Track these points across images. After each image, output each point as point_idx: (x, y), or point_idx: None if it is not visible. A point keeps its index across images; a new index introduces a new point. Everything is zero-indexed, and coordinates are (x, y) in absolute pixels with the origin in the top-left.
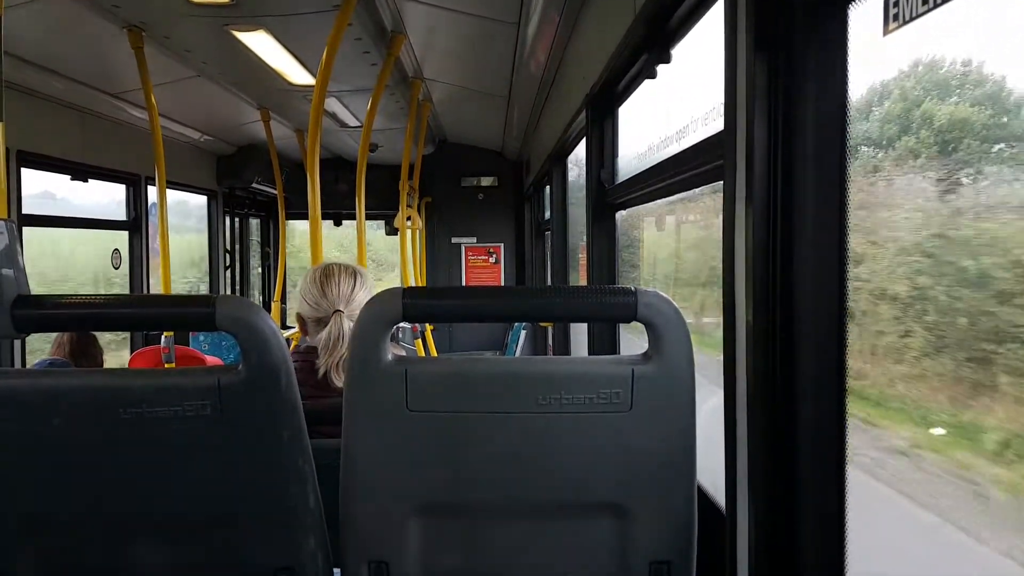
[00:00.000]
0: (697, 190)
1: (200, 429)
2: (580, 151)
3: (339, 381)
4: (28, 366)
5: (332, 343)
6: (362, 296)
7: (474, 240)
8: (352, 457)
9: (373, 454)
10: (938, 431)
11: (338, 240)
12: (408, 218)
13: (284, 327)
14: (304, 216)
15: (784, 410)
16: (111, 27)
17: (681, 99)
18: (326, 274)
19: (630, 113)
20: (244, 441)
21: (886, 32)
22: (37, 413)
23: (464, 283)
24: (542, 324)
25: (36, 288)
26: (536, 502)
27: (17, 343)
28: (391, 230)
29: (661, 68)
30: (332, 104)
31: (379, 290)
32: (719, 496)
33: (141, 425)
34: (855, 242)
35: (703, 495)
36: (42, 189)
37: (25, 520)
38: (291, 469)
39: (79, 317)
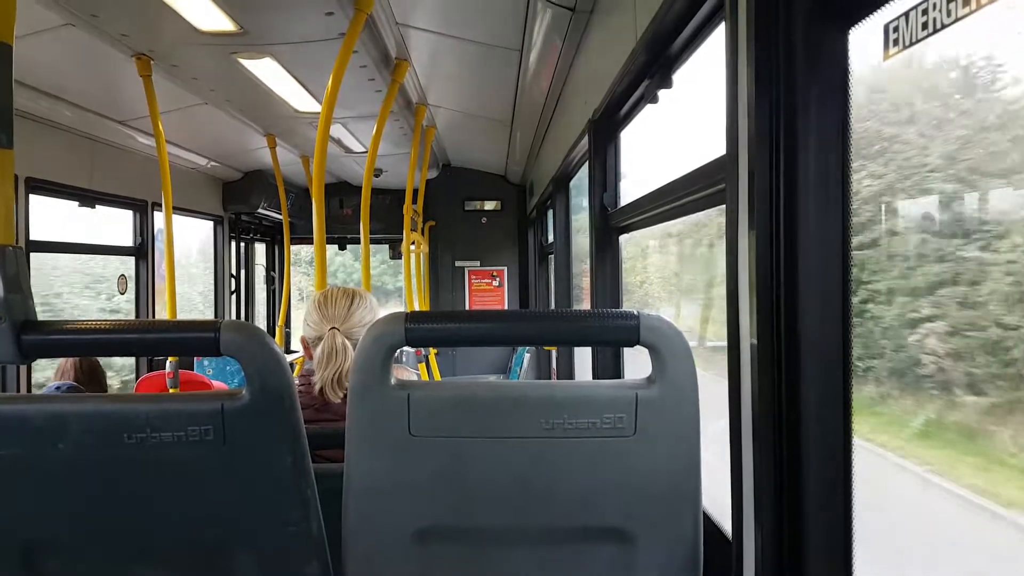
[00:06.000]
0: None
1: (203, 454)
2: (583, 175)
3: (335, 397)
4: (38, 391)
5: (326, 358)
6: (361, 314)
7: (478, 264)
8: (354, 482)
9: (375, 479)
10: None
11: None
12: (413, 242)
13: (288, 351)
14: (309, 241)
15: (790, 434)
16: (119, 56)
17: (683, 121)
18: (325, 296)
19: (633, 135)
20: (247, 466)
21: (886, 57)
22: (42, 437)
23: (468, 307)
24: (546, 348)
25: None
26: (539, 528)
27: (23, 368)
28: (395, 254)
29: (662, 93)
30: (337, 130)
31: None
32: (724, 521)
33: (145, 450)
34: None
35: (708, 520)
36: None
37: (27, 545)
38: (294, 494)
39: (84, 343)
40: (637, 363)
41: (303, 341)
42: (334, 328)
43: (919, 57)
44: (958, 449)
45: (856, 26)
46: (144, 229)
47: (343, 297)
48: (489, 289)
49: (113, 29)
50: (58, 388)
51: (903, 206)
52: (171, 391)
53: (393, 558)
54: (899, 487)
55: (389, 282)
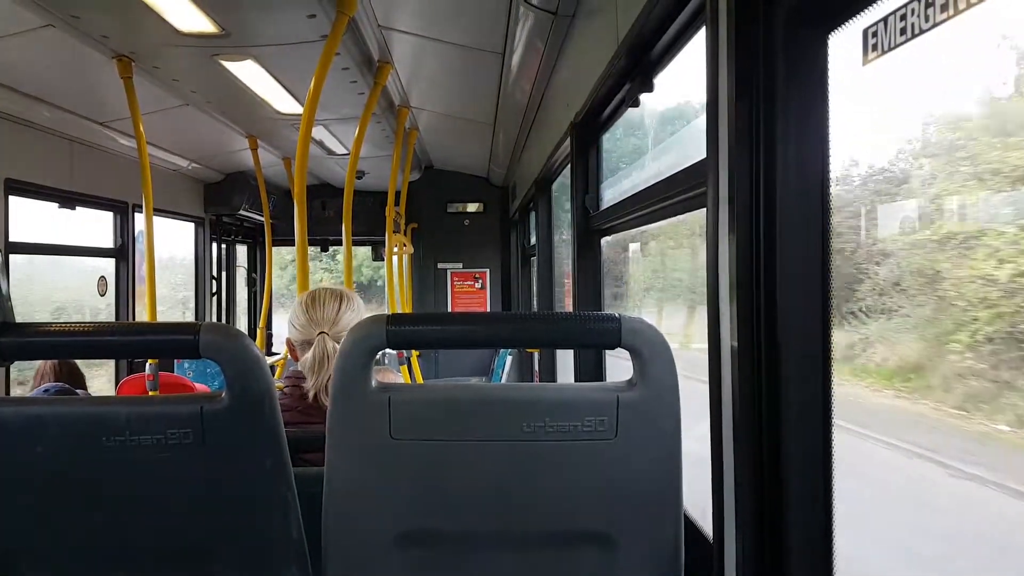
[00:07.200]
0: None
1: (182, 457)
2: (565, 177)
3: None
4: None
5: (317, 364)
6: (348, 317)
7: (460, 266)
8: (335, 486)
9: (356, 482)
10: None
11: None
12: (396, 244)
13: (270, 354)
14: (291, 243)
15: (770, 435)
16: (100, 57)
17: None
18: (312, 298)
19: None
20: (227, 469)
21: (865, 62)
22: (21, 440)
23: (450, 309)
24: (528, 350)
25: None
26: (521, 531)
27: (1, 370)
28: (378, 256)
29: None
30: (319, 132)
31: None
32: (706, 523)
33: (124, 453)
34: None
35: (690, 522)
36: None
37: (5, 550)
38: (274, 498)
39: (63, 345)
40: (620, 366)
41: (288, 343)
42: (323, 333)
43: None
44: None
45: (836, 31)
46: (125, 231)
47: (331, 299)
48: (472, 291)
49: (93, 30)
50: (46, 391)
51: None
52: (151, 393)
53: (374, 562)
54: None
55: None
